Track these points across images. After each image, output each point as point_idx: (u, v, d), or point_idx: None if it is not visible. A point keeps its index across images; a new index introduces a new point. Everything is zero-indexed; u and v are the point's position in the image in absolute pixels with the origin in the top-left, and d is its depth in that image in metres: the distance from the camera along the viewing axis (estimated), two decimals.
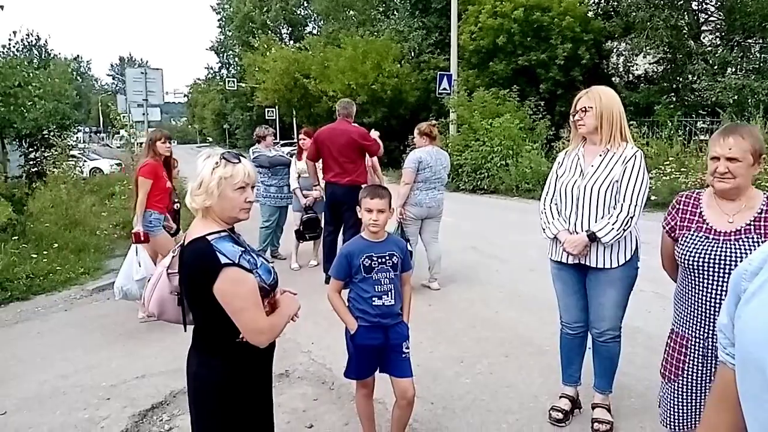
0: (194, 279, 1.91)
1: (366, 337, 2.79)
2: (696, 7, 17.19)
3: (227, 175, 1.95)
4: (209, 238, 1.90)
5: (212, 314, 1.92)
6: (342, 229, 6.28)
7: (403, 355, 2.88)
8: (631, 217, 2.96)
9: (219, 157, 1.98)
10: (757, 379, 0.81)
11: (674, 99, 16.60)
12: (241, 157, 2.05)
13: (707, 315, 2.24)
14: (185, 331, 2.17)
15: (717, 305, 2.20)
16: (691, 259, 2.27)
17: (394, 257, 2.82)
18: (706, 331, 2.25)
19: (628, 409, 3.48)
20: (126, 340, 4.91)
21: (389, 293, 2.79)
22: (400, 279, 2.88)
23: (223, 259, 1.86)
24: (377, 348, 2.83)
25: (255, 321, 1.92)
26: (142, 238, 5.12)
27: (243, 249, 1.97)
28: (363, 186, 2.97)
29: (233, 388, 2.01)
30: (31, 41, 37.97)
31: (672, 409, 2.37)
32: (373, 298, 2.76)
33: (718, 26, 16.94)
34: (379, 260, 2.78)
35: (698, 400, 2.27)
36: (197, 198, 1.95)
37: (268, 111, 35.01)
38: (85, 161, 19.31)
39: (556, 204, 3.24)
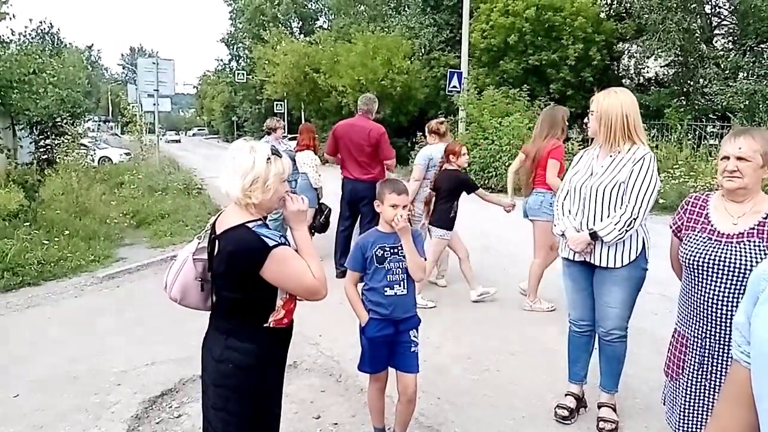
0: (239, 264, 1.98)
1: (376, 330, 2.83)
2: (709, 11, 17.12)
3: (280, 171, 2.05)
4: (250, 225, 1.99)
5: (248, 299, 2.02)
6: (359, 224, 6.32)
7: (412, 349, 2.91)
8: (635, 219, 2.99)
9: (269, 152, 2.04)
10: None
11: (684, 103, 16.54)
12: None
13: (707, 315, 2.26)
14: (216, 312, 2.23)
15: (716, 306, 2.23)
16: (693, 259, 2.29)
17: None
18: (705, 330, 2.27)
19: (633, 409, 3.51)
20: (136, 328, 4.96)
21: (401, 283, 2.82)
22: None
23: (270, 242, 1.96)
24: (388, 340, 2.86)
25: (310, 287, 2.05)
26: None
27: (280, 233, 2.08)
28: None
29: (264, 369, 2.10)
30: (44, 29, 38.10)
31: (675, 407, 2.41)
32: (385, 288, 2.80)
33: (731, 30, 16.88)
34: (392, 250, 2.82)
35: (698, 399, 2.30)
36: (254, 193, 2.00)
37: (276, 104, 34.99)
38: (94, 150, 19.42)
39: (567, 202, 3.30)
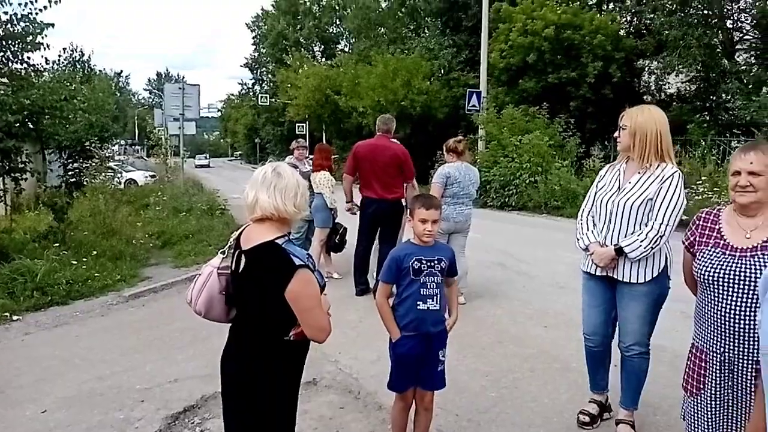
0: (265, 280, 2.04)
1: (407, 347, 2.84)
2: (731, 26, 17.00)
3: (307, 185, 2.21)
4: (279, 242, 2.05)
5: (270, 313, 2.07)
6: (379, 242, 6.38)
7: (439, 368, 2.93)
8: (661, 236, 3.00)
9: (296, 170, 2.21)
10: None
11: (707, 118, 16.38)
12: None
13: (724, 330, 2.26)
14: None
15: (733, 320, 2.23)
16: (707, 274, 2.30)
17: (443, 262, 2.87)
18: (723, 344, 2.27)
19: (653, 426, 3.47)
20: (160, 346, 5.06)
21: (434, 297, 2.83)
22: (445, 284, 2.94)
23: (297, 261, 2.00)
24: (417, 357, 2.87)
25: (320, 320, 2.07)
26: None
27: (307, 253, 2.12)
28: (409, 199, 3.09)
29: (281, 381, 2.15)
30: (75, 57, 39.17)
31: (695, 422, 2.39)
32: (418, 302, 2.80)
33: (754, 45, 16.71)
34: (428, 264, 2.82)
35: (719, 413, 2.30)
36: (302, 206, 2.16)
37: (298, 126, 35.50)
38: (121, 173, 19.86)
39: (592, 216, 3.32)
